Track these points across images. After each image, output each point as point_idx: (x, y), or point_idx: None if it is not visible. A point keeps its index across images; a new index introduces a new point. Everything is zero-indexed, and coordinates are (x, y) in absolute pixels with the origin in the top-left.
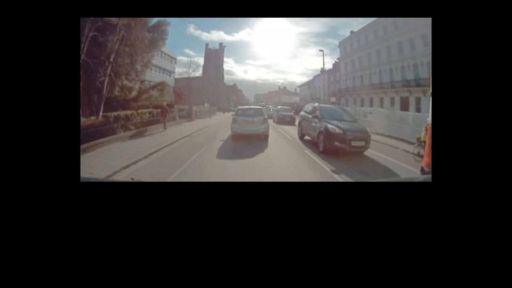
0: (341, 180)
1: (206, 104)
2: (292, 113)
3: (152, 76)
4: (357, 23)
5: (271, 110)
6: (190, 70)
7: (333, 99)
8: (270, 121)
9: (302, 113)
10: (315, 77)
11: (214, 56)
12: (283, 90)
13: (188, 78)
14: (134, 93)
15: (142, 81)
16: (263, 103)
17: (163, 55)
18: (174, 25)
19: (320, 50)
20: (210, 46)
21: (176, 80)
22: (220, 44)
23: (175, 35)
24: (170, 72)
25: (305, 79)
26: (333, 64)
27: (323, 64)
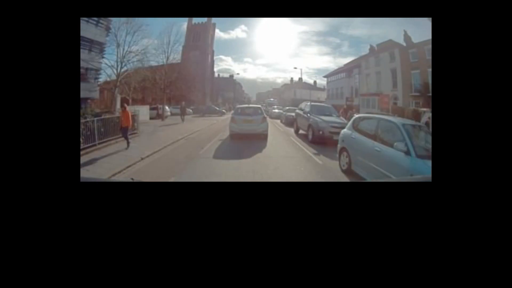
0: (340, 180)
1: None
2: None
3: None
4: (358, 22)
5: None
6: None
7: None
8: None
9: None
10: (362, 57)
11: (199, 33)
12: (299, 82)
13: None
14: None
15: None
16: (273, 100)
17: None
18: (169, 24)
19: None
20: (194, 21)
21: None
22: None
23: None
24: (91, 45)
25: (305, 78)
26: (378, 44)
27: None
